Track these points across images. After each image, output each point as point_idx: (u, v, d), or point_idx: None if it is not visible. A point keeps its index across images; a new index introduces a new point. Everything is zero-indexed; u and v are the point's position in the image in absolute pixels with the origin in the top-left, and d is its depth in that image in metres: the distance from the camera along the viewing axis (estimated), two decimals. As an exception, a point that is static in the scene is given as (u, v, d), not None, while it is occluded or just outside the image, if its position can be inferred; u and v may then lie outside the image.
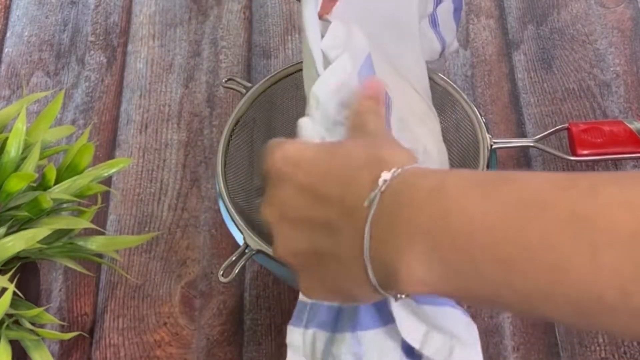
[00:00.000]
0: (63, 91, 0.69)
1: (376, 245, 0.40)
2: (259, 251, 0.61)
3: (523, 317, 0.66)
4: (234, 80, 0.69)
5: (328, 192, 0.43)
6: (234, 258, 0.61)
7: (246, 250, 0.61)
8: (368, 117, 0.49)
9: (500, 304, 0.40)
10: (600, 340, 0.66)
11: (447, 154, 0.65)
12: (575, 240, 0.35)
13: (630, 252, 0.34)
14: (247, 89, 0.68)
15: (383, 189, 0.41)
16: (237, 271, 0.60)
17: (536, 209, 0.37)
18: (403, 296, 0.42)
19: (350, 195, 0.42)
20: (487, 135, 0.65)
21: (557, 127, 0.74)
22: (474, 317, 0.68)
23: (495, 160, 0.65)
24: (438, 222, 0.38)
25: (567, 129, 0.74)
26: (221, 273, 0.60)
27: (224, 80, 0.69)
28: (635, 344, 0.66)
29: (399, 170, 0.41)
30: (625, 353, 0.65)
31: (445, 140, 0.67)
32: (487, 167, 0.62)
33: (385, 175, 0.41)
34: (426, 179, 0.40)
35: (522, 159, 0.76)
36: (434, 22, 0.65)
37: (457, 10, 0.67)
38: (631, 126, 0.72)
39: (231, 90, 0.75)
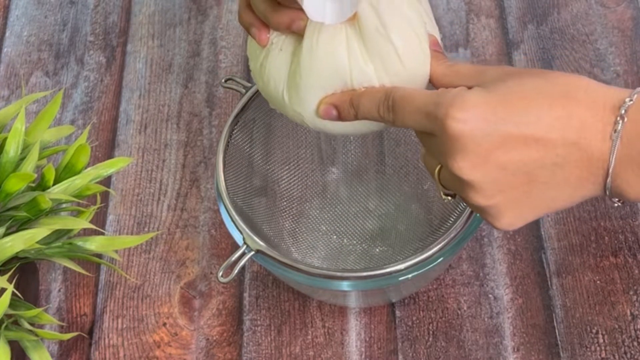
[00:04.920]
0: (62, 91, 0.69)
1: (616, 171, 0.46)
2: (258, 251, 0.61)
3: None
4: (233, 80, 0.69)
5: (545, 134, 0.46)
6: (233, 258, 0.61)
7: (245, 251, 0.61)
8: (457, 64, 0.52)
9: None
10: (601, 340, 0.66)
11: None
12: None
13: None
14: (247, 88, 0.68)
15: (621, 121, 0.45)
16: (236, 271, 0.60)
17: None
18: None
19: (572, 130, 0.46)
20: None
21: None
22: (473, 318, 0.68)
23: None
24: None
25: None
26: (220, 273, 0.60)
27: (223, 80, 0.69)
28: (635, 344, 0.66)
29: (630, 102, 0.45)
30: (625, 353, 0.65)
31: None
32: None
33: (620, 110, 0.45)
34: None
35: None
36: None
37: None
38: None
39: (231, 90, 0.75)
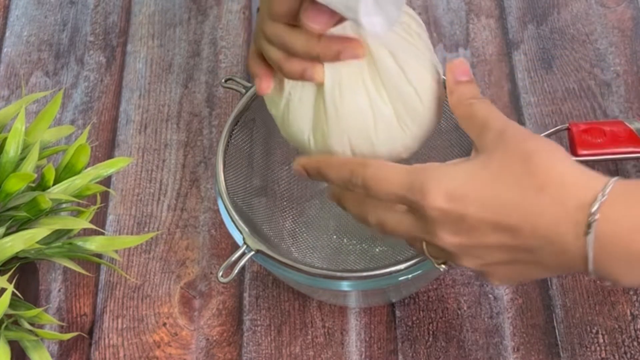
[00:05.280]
0: (62, 91, 0.69)
1: (596, 266, 0.46)
2: (258, 251, 0.61)
3: None
4: (233, 80, 0.69)
5: (516, 225, 0.47)
6: (233, 258, 0.61)
7: (245, 251, 0.61)
8: (474, 106, 0.52)
9: None
10: (601, 340, 0.66)
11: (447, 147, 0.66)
12: None
13: None
14: (247, 88, 0.68)
15: (593, 221, 0.45)
16: (236, 271, 0.60)
17: None
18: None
19: (543, 226, 0.46)
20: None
21: (557, 127, 0.74)
22: (473, 318, 0.68)
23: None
24: None
25: (568, 129, 0.74)
26: (220, 273, 0.60)
27: (223, 80, 0.69)
28: (635, 344, 0.66)
29: (602, 198, 0.45)
30: (625, 353, 0.65)
31: (446, 141, 0.67)
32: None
33: (592, 207, 0.45)
34: (628, 204, 0.45)
35: (522, 159, 0.75)
36: None
37: None
38: (631, 126, 0.72)
39: (231, 90, 0.75)
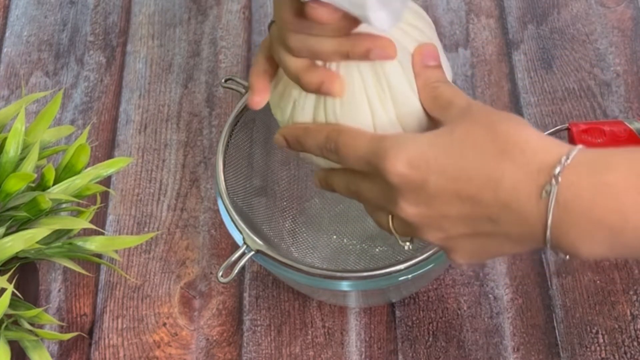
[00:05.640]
0: (62, 91, 0.69)
1: (556, 233, 0.44)
2: (258, 251, 0.61)
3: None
4: (233, 80, 0.69)
5: (477, 193, 0.46)
6: (233, 258, 0.61)
7: (245, 251, 0.61)
8: (439, 88, 0.51)
9: None
10: (601, 340, 0.66)
11: None
12: None
13: None
14: (247, 88, 0.68)
15: (555, 184, 0.44)
16: (236, 272, 0.60)
17: None
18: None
19: (504, 192, 0.45)
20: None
21: (557, 127, 0.73)
22: (473, 318, 0.68)
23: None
24: (617, 221, 0.43)
25: (568, 129, 0.73)
26: (220, 273, 0.60)
27: (223, 80, 0.69)
28: (635, 343, 0.66)
29: (565, 162, 0.44)
30: (625, 353, 0.65)
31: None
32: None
33: (554, 170, 0.44)
34: (592, 170, 0.44)
35: (522, 159, 0.75)
36: None
37: None
38: (631, 126, 0.72)
39: (230, 90, 0.75)
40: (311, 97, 0.54)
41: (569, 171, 0.44)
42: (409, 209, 0.48)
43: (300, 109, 0.55)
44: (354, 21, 0.49)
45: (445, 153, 0.47)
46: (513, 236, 0.47)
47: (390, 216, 0.51)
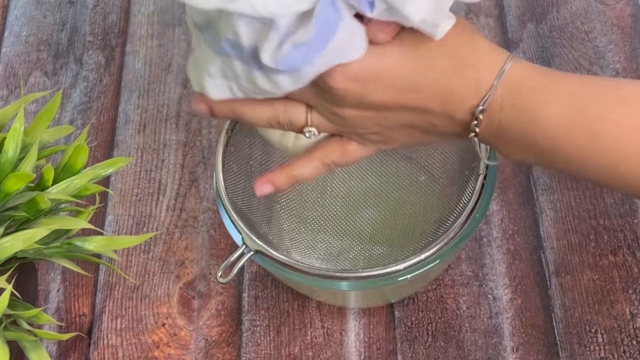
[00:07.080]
0: (61, 91, 0.69)
1: (483, 139, 0.51)
2: (257, 252, 0.60)
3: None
4: (232, 80, 0.69)
5: (425, 103, 0.50)
6: (232, 259, 0.61)
7: (245, 251, 0.61)
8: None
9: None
10: (600, 339, 0.66)
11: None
12: None
13: None
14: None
15: (488, 100, 0.49)
16: (235, 272, 0.60)
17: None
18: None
19: (452, 104, 0.50)
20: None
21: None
22: (472, 318, 0.68)
23: (495, 158, 0.65)
24: (540, 142, 0.49)
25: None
26: (219, 274, 0.60)
27: (222, 80, 0.69)
28: (634, 342, 0.66)
29: (500, 78, 0.49)
30: (625, 352, 0.65)
31: (448, 145, 0.67)
32: (486, 167, 0.62)
33: (486, 86, 0.49)
34: (523, 92, 0.49)
35: (522, 158, 0.75)
36: None
37: None
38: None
39: (229, 90, 0.75)
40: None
41: (499, 92, 0.49)
42: (351, 111, 0.51)
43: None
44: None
45: (396, 67, 0.49)
46: (446, 134, 0.52)
47: (308, 109, 0.53)
